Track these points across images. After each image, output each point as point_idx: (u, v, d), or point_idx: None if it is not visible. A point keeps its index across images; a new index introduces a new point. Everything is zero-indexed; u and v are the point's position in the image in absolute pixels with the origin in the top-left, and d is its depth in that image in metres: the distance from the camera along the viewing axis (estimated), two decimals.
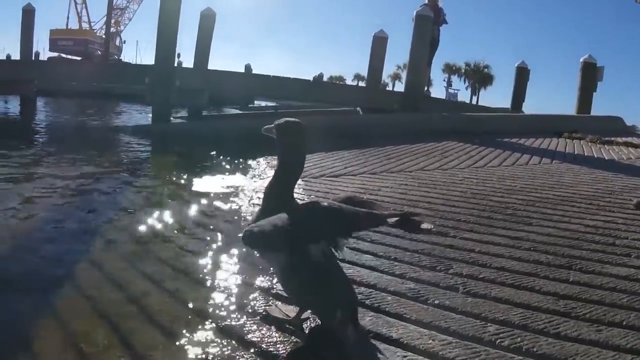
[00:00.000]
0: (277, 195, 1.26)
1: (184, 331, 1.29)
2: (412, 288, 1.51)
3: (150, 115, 6.91)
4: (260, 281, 1.59)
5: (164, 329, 1.31)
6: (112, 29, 34.98)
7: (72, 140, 6.14)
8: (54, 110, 10.76)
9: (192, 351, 1.20)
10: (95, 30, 36.89)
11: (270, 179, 1.30)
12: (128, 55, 36.10)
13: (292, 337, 1.25)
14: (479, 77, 32.90)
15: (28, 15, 10.06)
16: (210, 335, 1.28)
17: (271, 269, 1.52)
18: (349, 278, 1.32)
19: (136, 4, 37.39)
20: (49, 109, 10.91)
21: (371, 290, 1.49)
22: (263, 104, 16.55)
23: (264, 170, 3.94)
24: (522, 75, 10.81)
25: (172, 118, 7.08)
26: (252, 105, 15.98)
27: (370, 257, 1.75)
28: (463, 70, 32.55)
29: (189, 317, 1.38)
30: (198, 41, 8.57)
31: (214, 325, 1.32)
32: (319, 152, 4.49)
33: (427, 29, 7.31)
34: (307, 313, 1.31)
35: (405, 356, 1.14)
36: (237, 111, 10.89)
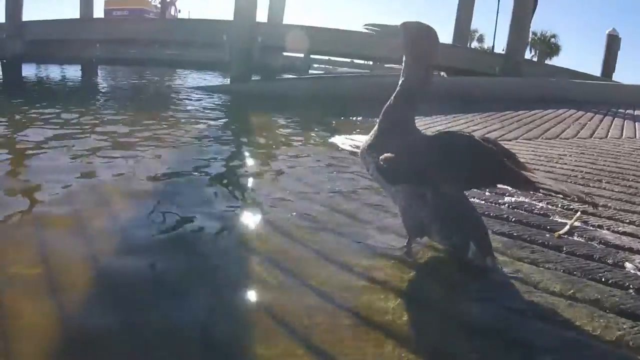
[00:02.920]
0: (398, 116, 1.14)
1: None
2: None
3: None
4: None
5: None
6: None
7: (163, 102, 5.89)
8: (127, 78, 10.38)
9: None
10: (150, 0, 36.78)
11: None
12: None
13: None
14: (545, 47, 30.61)
15: None
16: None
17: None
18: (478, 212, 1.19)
19: None
20: (117, 77, 10.55)
21: None
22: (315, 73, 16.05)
23: None
24: (612, 44, 10.49)
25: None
26: (311, 72, 15.52)
27: (607, 233, 1.36)
28: (529, 40, 30.26)
29: None
30: None
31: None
32: (436, 115, 4.03)
33: None
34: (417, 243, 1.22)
35: None
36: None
